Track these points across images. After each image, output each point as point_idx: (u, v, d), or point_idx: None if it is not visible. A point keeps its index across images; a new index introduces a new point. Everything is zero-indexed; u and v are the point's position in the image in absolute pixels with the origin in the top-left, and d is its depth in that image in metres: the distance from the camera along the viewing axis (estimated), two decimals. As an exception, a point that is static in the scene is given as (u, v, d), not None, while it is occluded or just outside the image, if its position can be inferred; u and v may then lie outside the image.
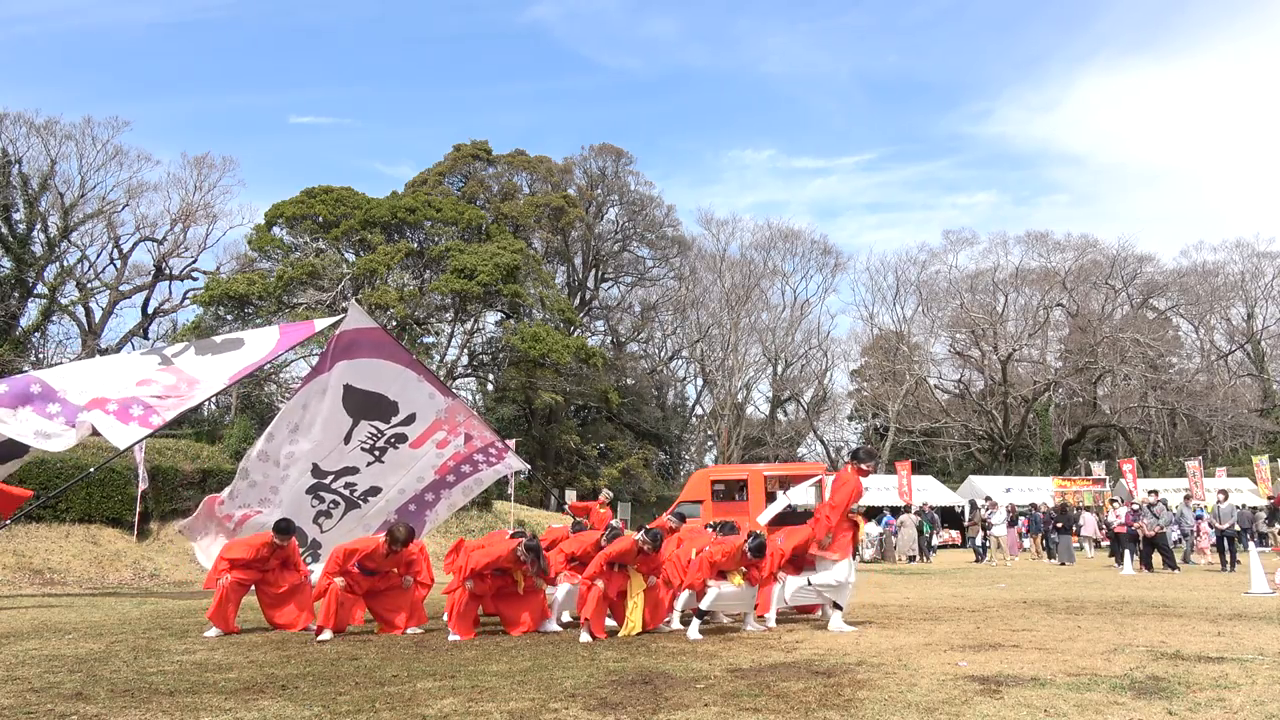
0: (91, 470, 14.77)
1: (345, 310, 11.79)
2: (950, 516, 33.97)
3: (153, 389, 11.02)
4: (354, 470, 11.45)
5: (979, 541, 24.57)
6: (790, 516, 14.41)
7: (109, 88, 77.66)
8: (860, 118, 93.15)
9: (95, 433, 11.41)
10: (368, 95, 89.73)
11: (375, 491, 11.70)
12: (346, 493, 11.52)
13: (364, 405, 11.30)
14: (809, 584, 8.63)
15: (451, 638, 8.17)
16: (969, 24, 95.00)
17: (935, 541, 29.29)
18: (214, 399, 26.48)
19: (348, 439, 11.32)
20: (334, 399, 11.12)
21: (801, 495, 17.99)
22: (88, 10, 73.22)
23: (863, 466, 8.86)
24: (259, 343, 12.07)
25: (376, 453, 11.52)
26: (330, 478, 11.39)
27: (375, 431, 11.44)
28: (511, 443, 12.89)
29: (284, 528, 9.28)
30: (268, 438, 11.16)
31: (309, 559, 11.23)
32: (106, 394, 10.98)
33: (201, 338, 11.91)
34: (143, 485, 17.85)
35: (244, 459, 11.32)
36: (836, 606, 8.57)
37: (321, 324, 12.46)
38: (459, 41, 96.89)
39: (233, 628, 8.71)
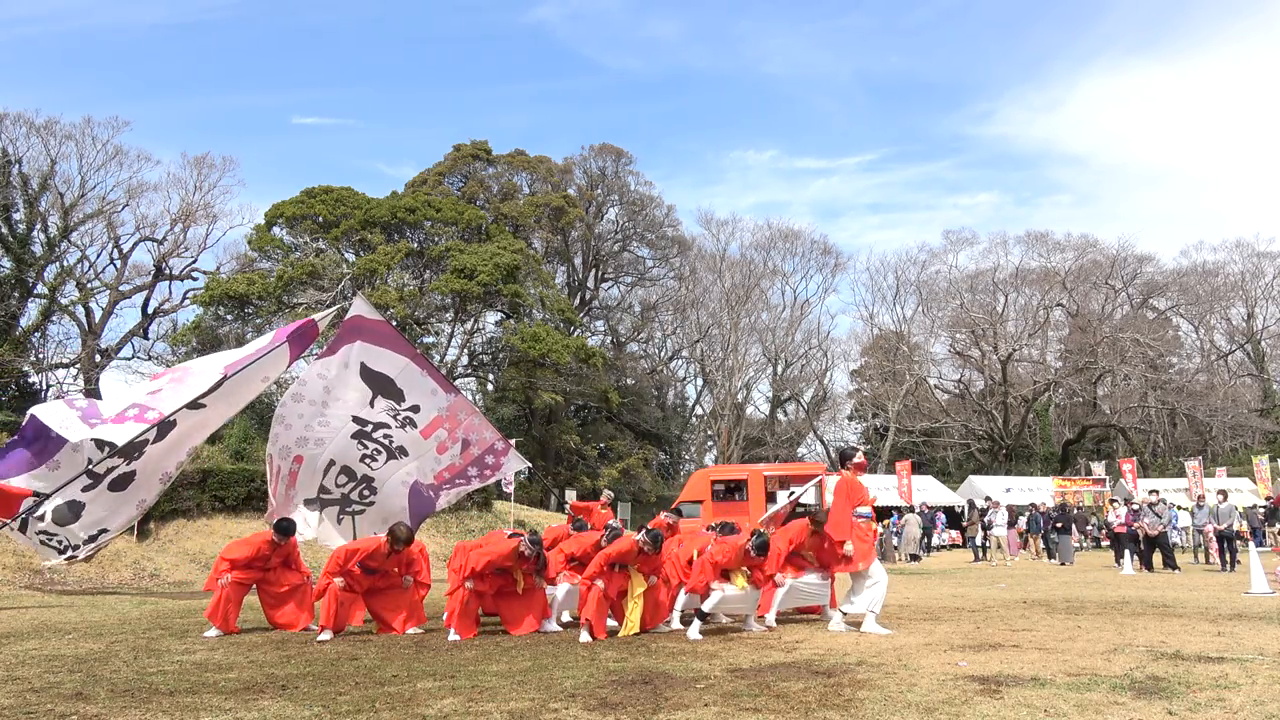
0: (89, 468, 14.74)
1: (348, 306, 11.89)
2: (950, 516, 33.99)
3: (150, 387, 11.20)
4: (386, 425, 11.73)
5: (979, 541, 24.59)
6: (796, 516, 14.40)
7: (111, 88, 77.81)
8: (862, 118, 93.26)
9: (100, 447, 11.60)
10: (370, 96, 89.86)
11: (404, 452, 11.95)
12: (386, 443, 11.79)
13: (378, 384, 11.53)
14: (851, 602, 8.55)
15: (452, 637, 8.17)
16: (971, 25, 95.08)
17: (936, 541, 29.32)
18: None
19: (372, 404, 11.59)
20: (355, 371, 11.36)
21: (804, 496, 18.01)
22: (91, 11, 73.35)
23: (854, 463, 8.82)
24: (260, 340, 12.31)
25: (399, 421, 11.76)
26: (370, 427, 11.67)
27: (393, 407, 11.68)
28: (511, 442, 12.86)
29: (284, 528, 9.30)
30: (300, 383, 11.47)
31: (365, 492, 11.58)
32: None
33: (202, 338, 12.26)
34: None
35: (277, 411, 11.58)
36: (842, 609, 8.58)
37: (319, 316, 12.68)
38: (461, 42, 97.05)
39: (233, 628, 8.71)
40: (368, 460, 11.85)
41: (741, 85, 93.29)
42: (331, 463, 11.62)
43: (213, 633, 8.52)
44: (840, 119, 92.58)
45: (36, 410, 11.68)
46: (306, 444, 11.36)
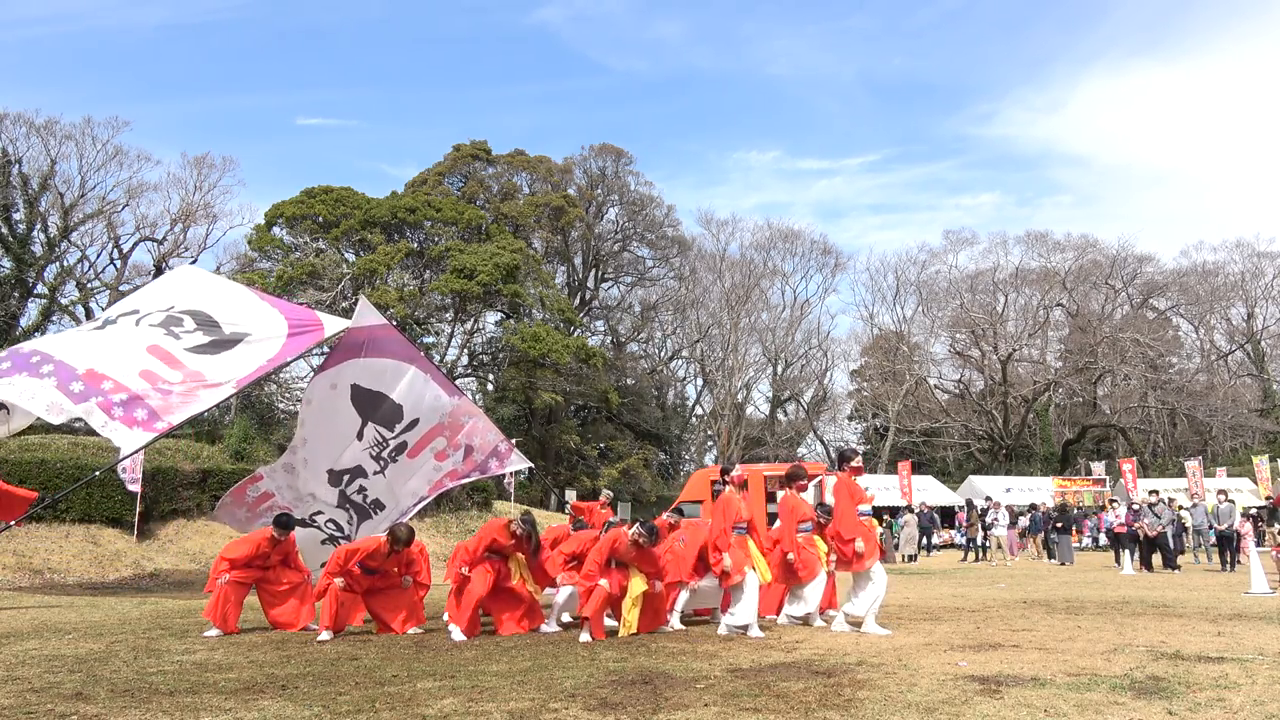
0: (96, 472, 14.78)
1: (350, 309, 11.70)
2: (950, 516, 34.01)
3: (158, 385, 10.62)
4: (363, 473, 11.33)
5: (979, 541, 24.59)
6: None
7: (115, 89, 77.81)
8: (865, 119, 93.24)
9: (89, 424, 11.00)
10: (374, 97, 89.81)
11: (381, 506, 11.59)
12: (359, 499, 11.37)
13: (371, 405, 11.17)
14: (853, 601, 8.51)
15: (454, 633, 8.18)
16: (974, 26, 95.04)
17: (936, 540, 29.32)
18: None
19: (360, 435, 11.27)
20: (344, 396, 11.03)
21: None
22: (97, 13, 73.33)
23: (851, 465, 8.82)
24: (265, 338, 11.58)
25: (381, 463, 11.34)
26: (345, 479, 11.28)
27: (380, 439, 11.28)
28: (513, 444, 12.79)
29: (284, 522, 9.29)
30: (291, 450, 11.16)
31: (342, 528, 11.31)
32: (106, 371, 10.41)
33: (201, 323, 11.39)
34: (133, 488, 17.55)
35: (285, 458, 11.34)
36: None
37: (330, 328, 12.08)
38: (466, 43, 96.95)
39: (233, 628, 8.71)
40: (346, 513, 11.41)
41: (745, 86, 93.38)
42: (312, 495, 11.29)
43: (213, 632, 8.51)
44: (843, 120, 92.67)
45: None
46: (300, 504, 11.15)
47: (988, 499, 26.34)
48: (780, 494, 10.01)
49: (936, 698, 5.11)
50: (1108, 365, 47.66)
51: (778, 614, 9.25)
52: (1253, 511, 26.72)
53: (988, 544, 24.15)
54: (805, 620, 8.99)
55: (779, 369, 54.07)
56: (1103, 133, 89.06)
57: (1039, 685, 5.44)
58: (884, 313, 55.91)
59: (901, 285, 54.79)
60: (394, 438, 11.33)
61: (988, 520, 24.12)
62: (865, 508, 8.63)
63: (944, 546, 30.44)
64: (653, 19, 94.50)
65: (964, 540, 26.13)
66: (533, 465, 13.79)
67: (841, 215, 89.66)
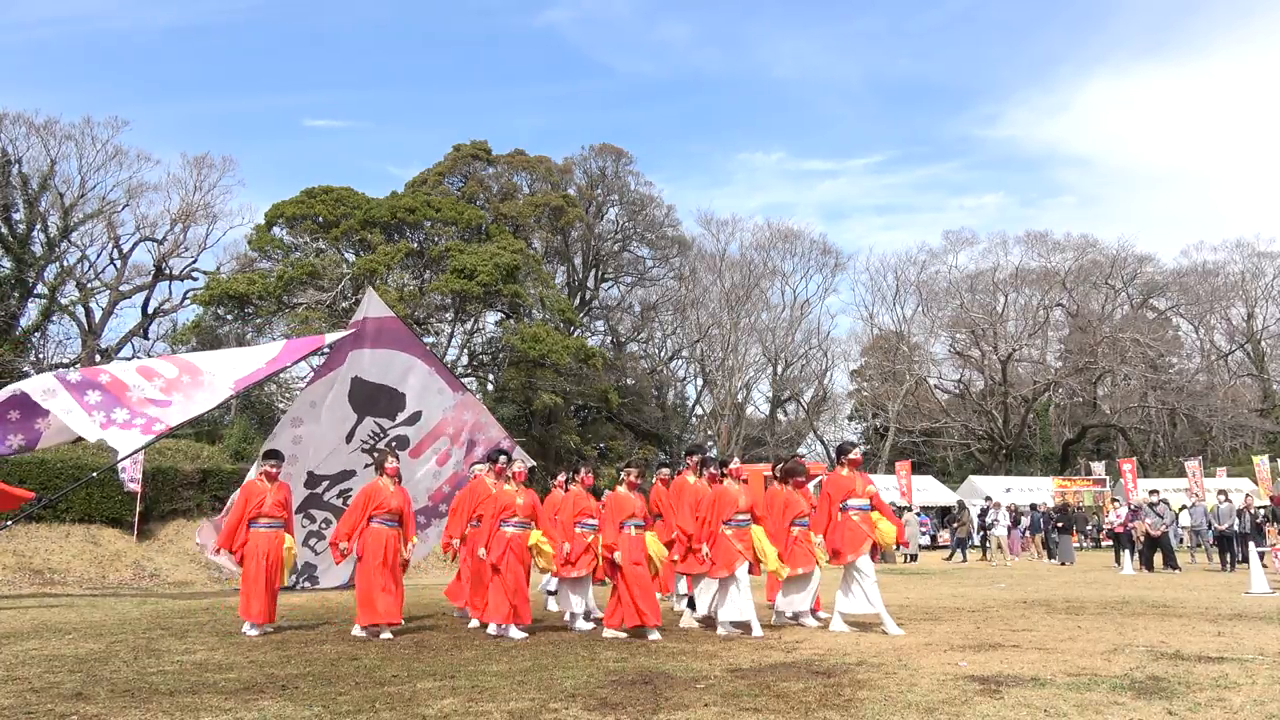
0: (93, 474, 14.79)
1: (350, 310, 11.61)
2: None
3: (155, 383, 10.57)
4: (350, 474, 10.98)
5: (977, 541, 24.59)
6: None
7: (119, 91, 77.21)
8: (870, 121, 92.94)
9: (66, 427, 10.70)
10: (382, 98, 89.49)
11: None
12: (340, 503, 10.94)
13: (371, 399, 10.88)
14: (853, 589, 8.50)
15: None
16: (979, 28, 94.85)
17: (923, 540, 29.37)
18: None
19: (349, 437, 11.02)
20: (340, 392, 10.82)
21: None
22: (106, 15, 73.18)
23: (849, 458, 8.82)
24: (266, 350, 11.63)
25: (377, 455, 11.20)
26: (325, 484, 10.90)
27: (378, 430, 11.15)
28: (514, 440, 12.77)
29: (271, 453, 9.44)
30: (272, 438, 10.76)
31: (305, 582, 10.94)
32: (113, 372, 10.42)
33: (202, 338, 11.48)
34: (132, 487, 17.52)
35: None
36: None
37: (331, 337, 11.99)
38: (473, 46, 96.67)
39: (271, 618, 8.77)
40: (313, 539, 10.99)
41: (750, 88, 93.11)
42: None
43: (253, 631, 8.50)
44: (848, 121, 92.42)
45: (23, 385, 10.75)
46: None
47: (987, 499, 26.34)
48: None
49: (936, 698, 5.11)
50: (1108, 365, 47.66)
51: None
52: (1262, 512, 26.68)
53: (987, 544, 24.15)
54: (797, 618, 8.99)
55: (779, 369, 54.04)
56: (1106, 134, 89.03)
57: (1039, 685, 5.44)
58: (884, 313, 55.90)
59: (901, 285, 54.77)
60: (393, 427, 11.17)
61: (988, 520, 24.13)
62: (863, 502, 8.62)
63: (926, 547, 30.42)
64: (659, 21, 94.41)
65: (955, 541, 26.09)
66: (534, 463, 13.69)
67: (845, 216, 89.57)
